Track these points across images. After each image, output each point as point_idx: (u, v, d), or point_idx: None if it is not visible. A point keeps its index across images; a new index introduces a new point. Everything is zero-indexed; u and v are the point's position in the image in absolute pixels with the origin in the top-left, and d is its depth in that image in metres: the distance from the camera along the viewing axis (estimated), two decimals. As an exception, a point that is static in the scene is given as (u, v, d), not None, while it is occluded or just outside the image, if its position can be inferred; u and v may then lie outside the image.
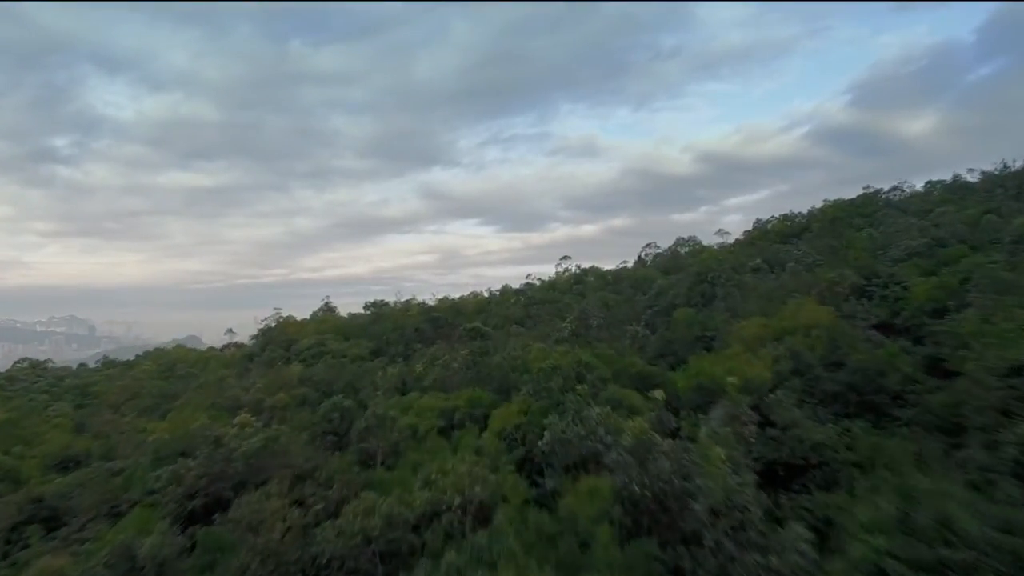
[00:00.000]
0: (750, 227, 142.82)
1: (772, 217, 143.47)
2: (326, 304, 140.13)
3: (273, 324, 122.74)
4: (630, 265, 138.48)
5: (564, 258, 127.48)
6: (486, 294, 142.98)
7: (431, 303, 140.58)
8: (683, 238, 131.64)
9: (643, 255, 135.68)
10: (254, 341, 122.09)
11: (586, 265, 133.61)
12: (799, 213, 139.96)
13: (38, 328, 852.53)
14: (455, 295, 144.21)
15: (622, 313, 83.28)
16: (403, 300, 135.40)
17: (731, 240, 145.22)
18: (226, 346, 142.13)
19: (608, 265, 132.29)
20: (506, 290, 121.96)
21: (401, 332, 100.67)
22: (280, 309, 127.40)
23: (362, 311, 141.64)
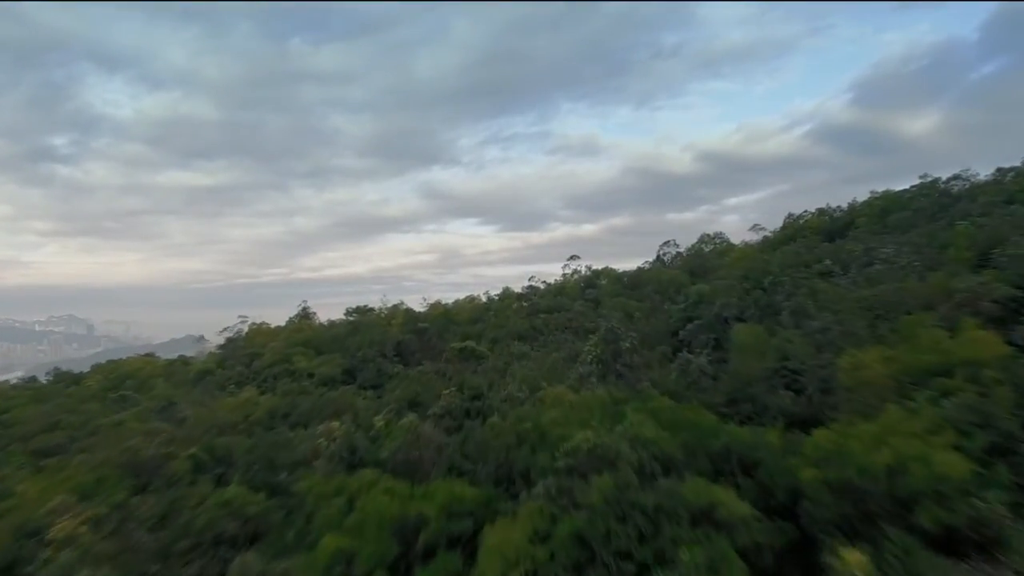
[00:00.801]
0: (752, 225, 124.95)
1: (805, 212, 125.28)
2: (303, 310, 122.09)
3: (241, 332, 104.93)
4: (646, 265, 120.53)
5: (572, 258, 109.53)
6: (484, 298, 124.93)
7: (422, 308, 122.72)
8: (708, 235, 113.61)
9: (661, 254, 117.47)
10: (219, 351, 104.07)
11: (597, 265, 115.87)
12: (837, 207, 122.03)
13: (37, 328, 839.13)
14: (450, 298, 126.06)
15: (653, 328, 65.25)
16: (389, 306, 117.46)
17: (755, 236, 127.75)
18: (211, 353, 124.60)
19: (620, 264, 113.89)
20: (506, 295, 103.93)
21: (381, 347, 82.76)
22: (245, 318, 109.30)
23: (345, 317, 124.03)
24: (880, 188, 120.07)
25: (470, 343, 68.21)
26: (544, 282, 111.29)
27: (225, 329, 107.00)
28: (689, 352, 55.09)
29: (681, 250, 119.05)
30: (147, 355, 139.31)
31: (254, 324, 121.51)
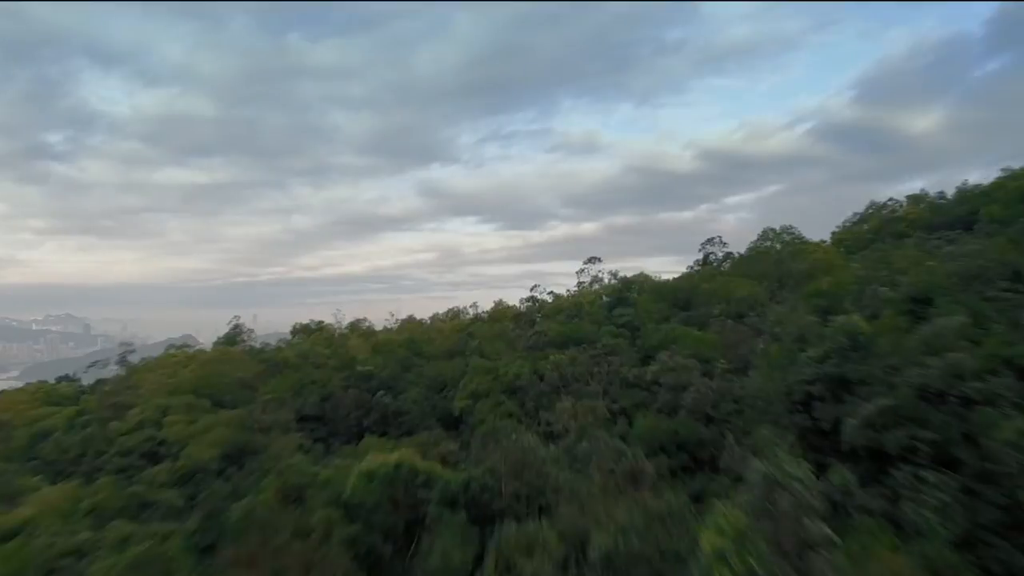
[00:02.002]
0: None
1: (891, 200, 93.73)
2: (235, 327, 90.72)
3: (124, 364, 73.56)
4: (688, 269, 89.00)
5: (590, 260, 78.39)
6: (471, 310, 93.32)
7: (392, 324, 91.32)
8: (773, 229, 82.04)
9: (708, 255, 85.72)
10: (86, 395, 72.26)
11: (615, 266, 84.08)
12: (939, 194, 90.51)
13: (34, 327, 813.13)
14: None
15: (764, 393, 34.06)
16: (345, 323, 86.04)
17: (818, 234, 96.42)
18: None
19: (621, 264, 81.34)
20: (499, 313, 72.49)
21: (302, 399, 51.72)
22: (239, 319, 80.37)
23: (291, 337, 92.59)
24: (881, 187, 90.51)
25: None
26: (551, 292, 79.81)
27: (91, 365, 75.86)
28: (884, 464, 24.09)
29: (730, 249, 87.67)
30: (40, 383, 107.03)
31: (175, 346, 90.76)
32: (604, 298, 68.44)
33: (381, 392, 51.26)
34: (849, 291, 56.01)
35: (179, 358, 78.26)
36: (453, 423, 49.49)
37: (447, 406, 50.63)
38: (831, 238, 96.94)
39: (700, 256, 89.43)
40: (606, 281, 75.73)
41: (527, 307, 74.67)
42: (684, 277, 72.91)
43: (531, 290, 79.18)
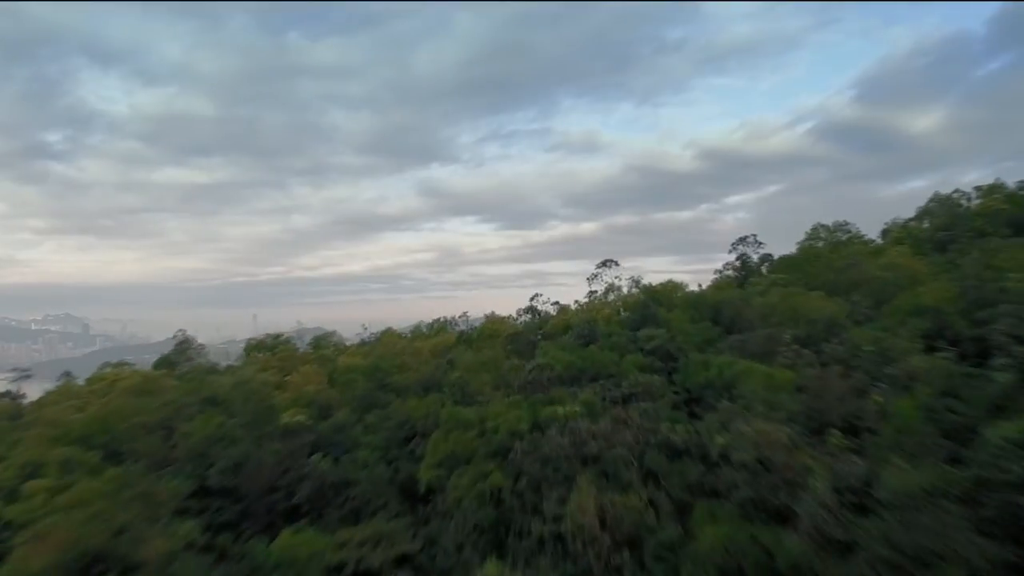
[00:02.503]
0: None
1: (957, 192, 78.17)
2: (181, 342, 75.34)
3: None
4: (717, 273, 73.61)
5: (605, 263, 63.02)
6: (460, 323, 77.98)
7: (367, 337, 76.26)
8: (825, 226, 66.73)
9: (741, 256, 70.40)
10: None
11: (632, 269, 68.17)
12: (1020, 183, 74.89)
13: (33, 327, 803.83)
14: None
15: (913, 497, 19.00)
16: (260, 336, 70.98)
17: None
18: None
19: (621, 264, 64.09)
20: (491, 329, 56.96)
21: (210, 460, 36.39)
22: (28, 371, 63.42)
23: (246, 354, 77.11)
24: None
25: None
26: (555, 303, 64.45)
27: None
28: None
29: (769, 251, 72.32)
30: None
31: (111, 364, 75.83)
32: (622, 312, 53.06)
33: (319, 455, 35.98)
34: (957, 307, 40.93)
35: (107, 380, 63.18)
36: (421, 497, 34.41)
37: (412, 470, 35.46)
38: (881, 236, 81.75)
39: (733, 258, 74.29)
40: (624, 290, 60.52)
41: (525, 322, 59.41)
42: (721, 286, 57.49)
43: (531, 300, 63.91)
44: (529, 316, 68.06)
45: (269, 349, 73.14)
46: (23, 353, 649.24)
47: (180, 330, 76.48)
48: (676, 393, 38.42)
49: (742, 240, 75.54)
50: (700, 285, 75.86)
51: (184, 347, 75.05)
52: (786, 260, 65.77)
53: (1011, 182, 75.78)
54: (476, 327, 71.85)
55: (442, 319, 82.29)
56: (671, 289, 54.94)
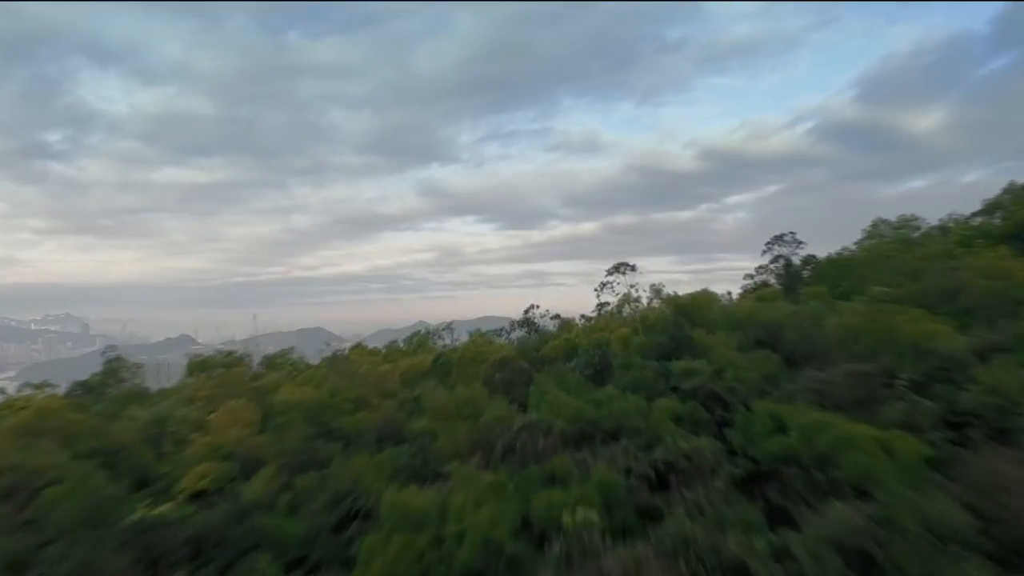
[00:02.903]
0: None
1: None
2: (109, 360, 62.53)
3: None
4: (749, 280, 60.80)
5: (618, 268, 50.41)
6: (444, 337, 65.05)
7: (336, 352, 63.67)
8: (887, 221, 54.05)
9: (780, 258, 57.67)
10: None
11: (652, 274, 55.00)
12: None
13: (32, 327, 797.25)
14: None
15: None
16: (259, 359, 57.83)
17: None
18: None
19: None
20: (475, 352, 43.80)
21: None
22: None
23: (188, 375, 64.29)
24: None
25: None
26: (556, 317, 51.60)
27: None
28: None
29: (809, 251, 59.52)
30: None
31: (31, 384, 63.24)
32: (641, 334, 40.22)
33: (189, 568, 23.37)
34: None
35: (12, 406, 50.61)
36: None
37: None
38: (940, 234, 68.73)
39: (767, 261, 61.47)
40: (644, 301, 47.83)
41: (519, 339, 46.68)
42: (765, 297, 44.58)
43: (526, 312, 50.98)
44: (525, 330, 55.29)
45: (216, 368, 60.37)
46: (22, 353, 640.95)
47: (109, 346, 63.88)
48: (735, 464, 25.65)
49: (778, 239, 62.69)
50: (729, 293, 63.23)
51: (114, 366, 62.45)
52: (836, 264, 52.89)
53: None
54: (460, 344, 59.18)
55: (423, 330, 69.53)
56: (705, 302, 42.09)
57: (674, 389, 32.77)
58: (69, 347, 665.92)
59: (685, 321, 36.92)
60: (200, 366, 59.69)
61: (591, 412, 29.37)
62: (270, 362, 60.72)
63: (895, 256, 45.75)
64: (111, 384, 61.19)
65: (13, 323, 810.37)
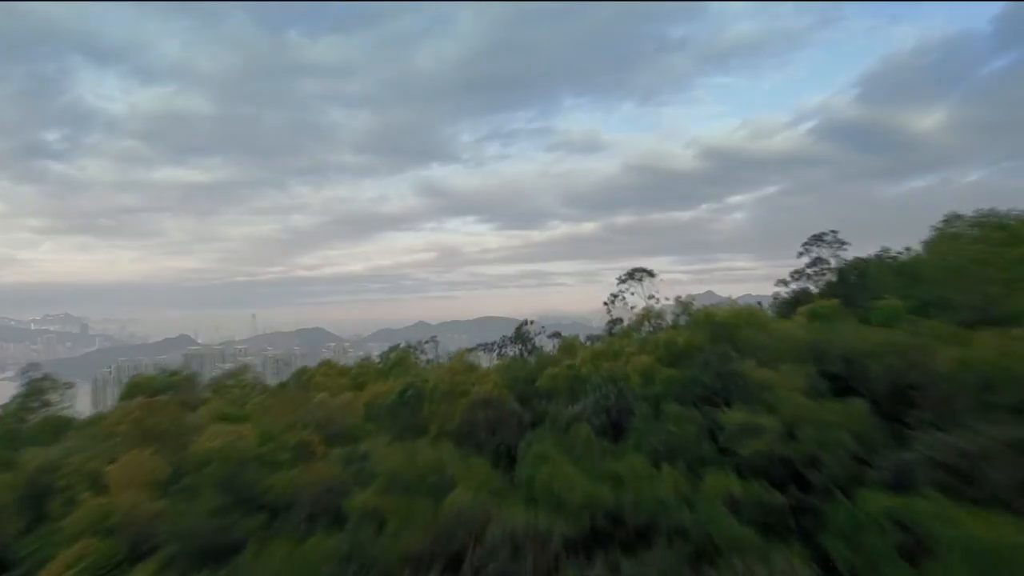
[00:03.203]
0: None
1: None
2: (28, 382, 52.82)
3: None
4: (784, 285, 50.97)
5: (633, 274, 40.70)
6: (425, 353, 55.34)
7: (265, 391, 54.02)
8: (960, 216, 44.27)
9: (822, 265, 47.82)
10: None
11: (673, 284, 44.80)
12: None
13: (32, 327, 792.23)
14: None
15: None
16: (202, 387, 47.98)
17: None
18: None
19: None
20: (449, 386, 34.40)
21: None
22: None
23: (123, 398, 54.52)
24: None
25: None
26: (555, 335, 41.70)
27: None
28: None
29: (855, 252, 49.62)
30: None
31: None
32: (665, 364, 30.30)
33: None
34: None
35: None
36: None
37: None
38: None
39: (804, 263, 51.55)
40: (668, 317, 37.86)
41: (509, 369, 36.75)
42: (824, 313, 34.58)
43: (519, 328, 40.94)
44: (519, 348, 45.37)
45: (155, 390, 50.39)
46: (22, 353, 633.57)
47: (32, 364, 54.30)
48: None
49: (818, 239, 52.75)
50: (760, 303, 53.33)
51: (38, 387, 52.78)
52: (902, 270, 42.82)
53: None
54: (445, 359, 49.37)
55: (405, 345, 59.61)
56: (753, 320, 31.87)
57: (722, 450, 22.87)
58: (68, 347, 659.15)
59: (733, 351, 26.94)
60: (135, 388, 49.79)
61: (608, 497, 19.44)
62: (217, 385, 50.66)
63: (989, 261, 35.83)
64: (34, 409, 51.60)
65: (12, 323, 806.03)
